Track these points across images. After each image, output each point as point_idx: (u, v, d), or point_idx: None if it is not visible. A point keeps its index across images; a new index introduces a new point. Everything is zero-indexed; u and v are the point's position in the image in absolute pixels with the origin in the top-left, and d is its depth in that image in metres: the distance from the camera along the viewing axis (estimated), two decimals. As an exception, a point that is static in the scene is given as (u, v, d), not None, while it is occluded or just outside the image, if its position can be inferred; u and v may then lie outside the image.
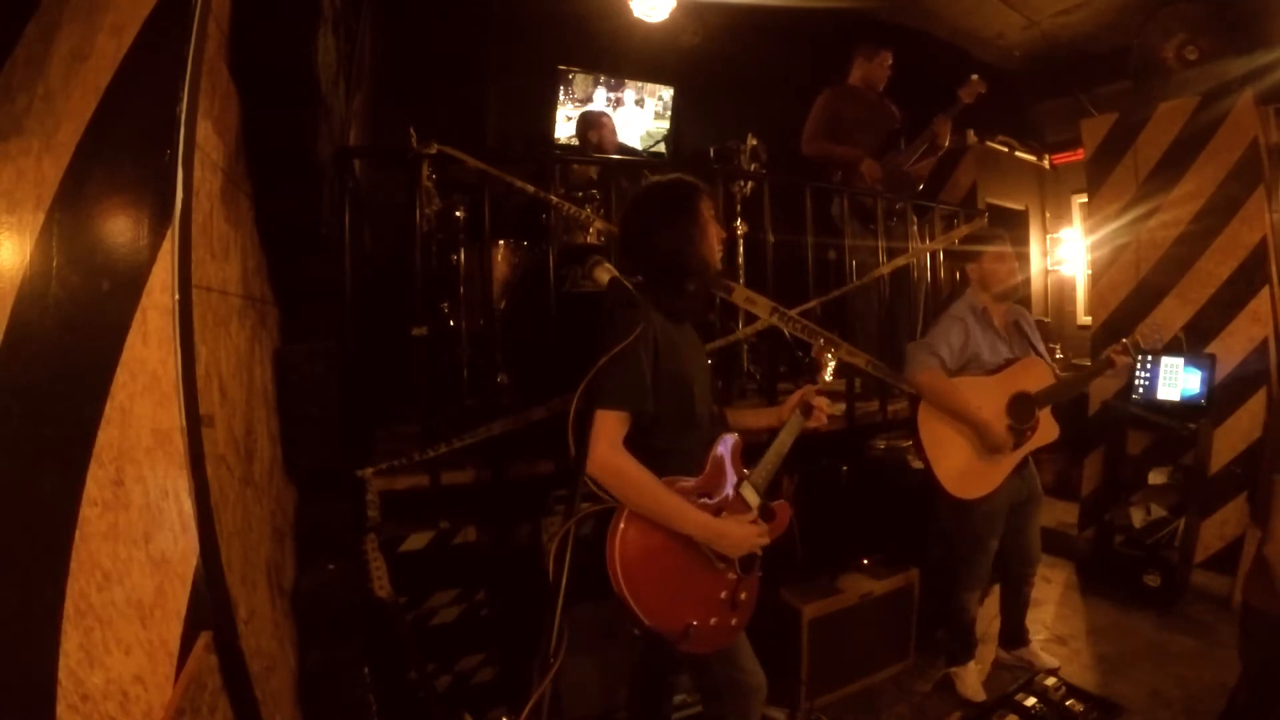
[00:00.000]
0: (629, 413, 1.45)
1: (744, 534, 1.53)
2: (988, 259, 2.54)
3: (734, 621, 1.60)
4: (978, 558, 2.54)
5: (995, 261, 2.53)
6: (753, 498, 1.63)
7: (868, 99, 3.62)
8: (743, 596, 1.61)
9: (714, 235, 1.66)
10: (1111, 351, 2.45)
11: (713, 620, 1.54)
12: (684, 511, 1.46)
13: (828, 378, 1.82)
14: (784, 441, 1.72)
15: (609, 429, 1.41)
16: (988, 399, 2.40)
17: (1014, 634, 2.80)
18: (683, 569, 1.49)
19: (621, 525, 1.42)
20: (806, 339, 2.70)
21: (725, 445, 1.63)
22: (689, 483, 1.54)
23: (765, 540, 1.60)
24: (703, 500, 1.54)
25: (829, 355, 1.84)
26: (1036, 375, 2.47)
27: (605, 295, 1.39)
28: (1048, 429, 2.48)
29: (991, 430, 2.37)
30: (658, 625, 1.42)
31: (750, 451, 1.71)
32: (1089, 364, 2.91)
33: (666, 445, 1.55)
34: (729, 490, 1.61)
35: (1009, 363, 2.48)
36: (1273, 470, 1.79)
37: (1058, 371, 2.54)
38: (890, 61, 3.65)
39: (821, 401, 1.77)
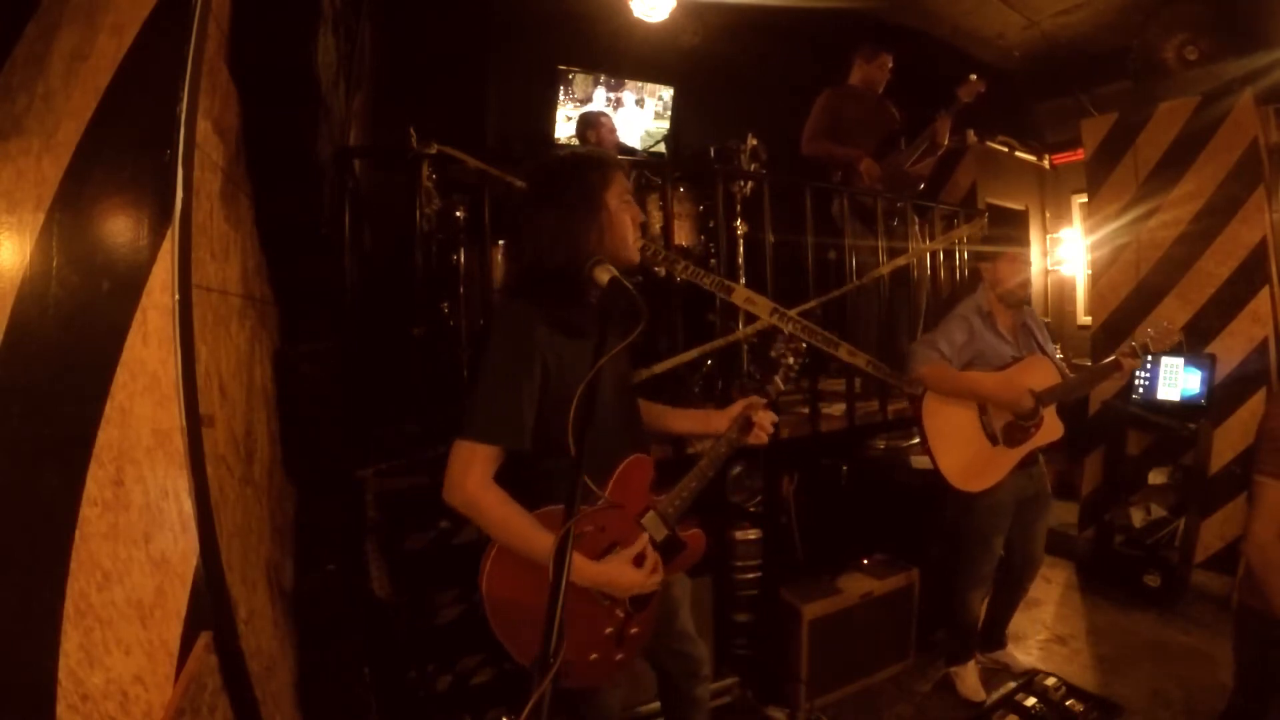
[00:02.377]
0: (495, 445, 1.30)
1: (630, 580, 1.36)
2: (1001, 259, 2.54)
3: (619, 657, 1.46)
4: (982, 554, 2.54)
5: (1008, 262, 2.53)
6: (657, 530, 1.47)
7: (868, 100, 3.62)
8: (633, 631, 1.47)
9: (626, 224, 1.41)
10: (1120, 354, 2.44)
11: (593, 656, 1.41)
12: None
13: (782, 385, 1.65)
14: (711, 464, 1.52)
15: (471, 460, 1.28)
16: None
17: (994, 636, 2.79)
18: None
19: (488, 563, 1.33)
20: (807, 339, 2.70)
21: (630, 471, 1.44)
22: (581, 513, 1.34)
23: (656, 582, 1.41)
24: (598, 531, 1.38)
25: (790, 360, 1.64)
26: (1043, 373, 2.47)
27: (604, 296, 1.31)
28: (1052, 427, 2.48)
29: (1002, 396, 2.37)
30: (522, 658, 1.36)
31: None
32: (1088, 364, 2.91)
33: (557, 469, 1.34)
34: (629, 521, 1.45)
35: (1014, 360, 2.48)
36: (1254, 470, 1.78)
37: (1065, 371, 2.54)
38: (890, 64, 3.65)
39: (765, 418, 1.56)
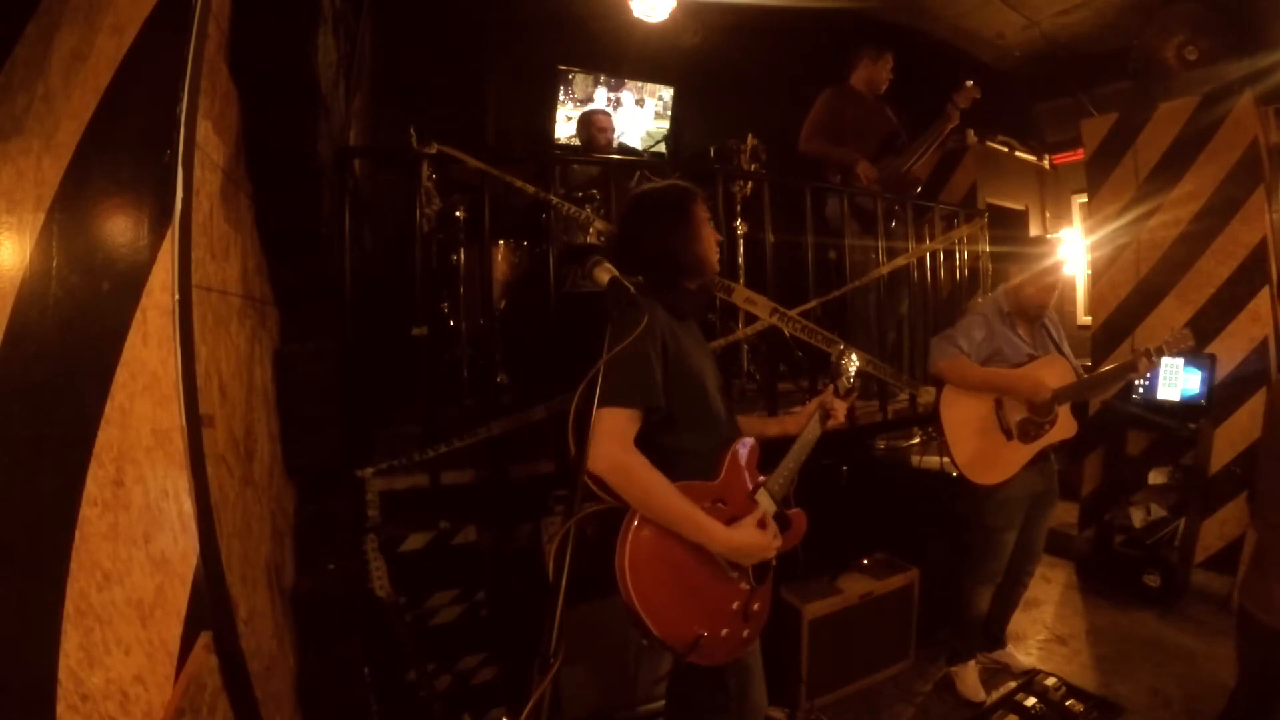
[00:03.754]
0: (639, 410, 1.39)
1: (758, 543, 1.46)
2: (1034, 278, 2.49)
3: (745, 633, 1.52)
4: (992, 549, 2.54)
5: (1037, 290, 2.49)
6: (769, 505, 1.58)
7: (867, 102, 3.63)
8: (755, 607, 1.54)
9: (710, 237, 1.65)
10: (1141, 356, 2.42)
11: (724, 631, 1.47)
12: (696, 518, 1.38)
13: (848, 383, 1.80)
14: (803, 447, 1.69)
15: (618, 426, 1.35)
16: None
17: (994, 635, 2.79)
18: (695, 578, 1.42)
19: (633, 529, 1.35)
20: (807, 339, 2.71)
21: (743, 448, 1.59)
22: (704, 487, 1.48)
23: (779, 546, 1.53)
24: (717, 505, 1.48)
25: (848, 362, 1.80)
26: (1059, 372, 2.47)
27: (605, 295, 1.36)
28: (1066, 425, 2.49)
29: (1020, 385, 2.39)
30: (666, 635, 1.35)
31: (766, 454, 1.67)
32: (1087, 363, 2.91)
33: (680, 445, 1.48)
34: (745, 496, 1.56)
35: (1031, 358, 2.48)
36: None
37: (1080, 371, 2.54)
38: (891, 65, 3.66)
39: (840, 406, 1.76)
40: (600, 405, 1.33)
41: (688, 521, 1.37)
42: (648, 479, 1.35)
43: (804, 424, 1.74)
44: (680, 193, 1.66)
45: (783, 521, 1.59)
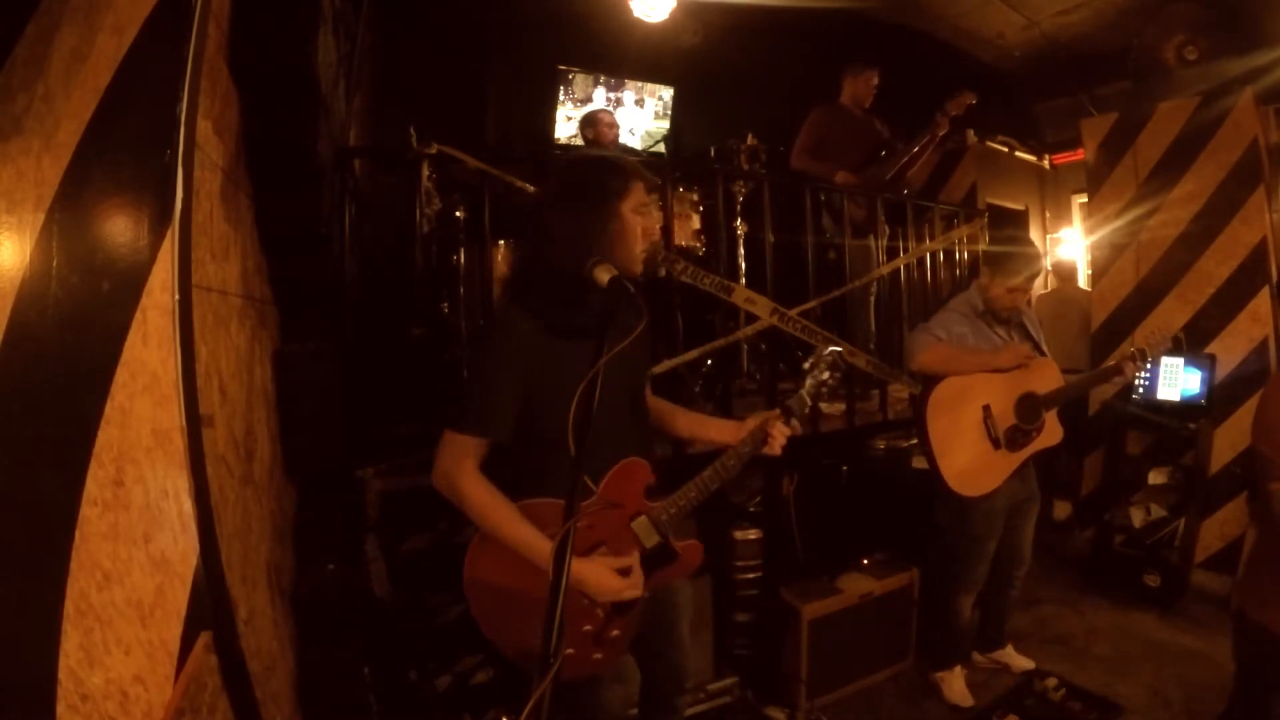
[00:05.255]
0: (480, 438, 1.35)
1: (606, 585, 1.35)
2: (1004, 283, 2.42)
3: (597, 656, 1.45)
4: (975, 559, 2.52)
5: (1006, 290, 2.42)
6: (648, 536, 1.44)
7: (854, 117, 3.70)
8: (614, 634, 1.45)
9: (635, 235, 1.39)
10: (1125, 359, 2.42)
11: (568, 651, 1.36)
12: (532, 545, 1.30)
13: (809, 400, 1.58)
14: (713, 474, 1.48)
15: (454, 449, 1.35)
16: (996, 396, 2.40)
17: (992, 635, 2.78)
18: (535, 593, 1.28)
19: (476, 539, 1.39)
20: (807, 339, 2.71)
21: (625, 472, 1.42)
22: (559, 508, 1.33)
23: (635, 593, 1.39)
24: (583, 527, 1.36)
25: (825, 375, 1.56)
26: (1046, 377, 2.46)
27: (606, 295, 1.32)
28: (1052, 431, 2.47)
29: (1007, 356, 2.35)
30: (499, 643, 1.39)
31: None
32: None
33: (544, 466, 1.39)
34: (619, 522, 1.42)
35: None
36: (1269, 479, 1.78)
37: (1064, 374, 2.53)
38: (876, 80, 3.71)
39: (780, 431, 1.50)
40: (446, 425, 1.36)
41: (523, 546, 1.31)
42: (479, 501, 1.33)
43: (724, 437, 1.56)
44: (603, 173, 1.39)
45: (663, 555, 1.45)
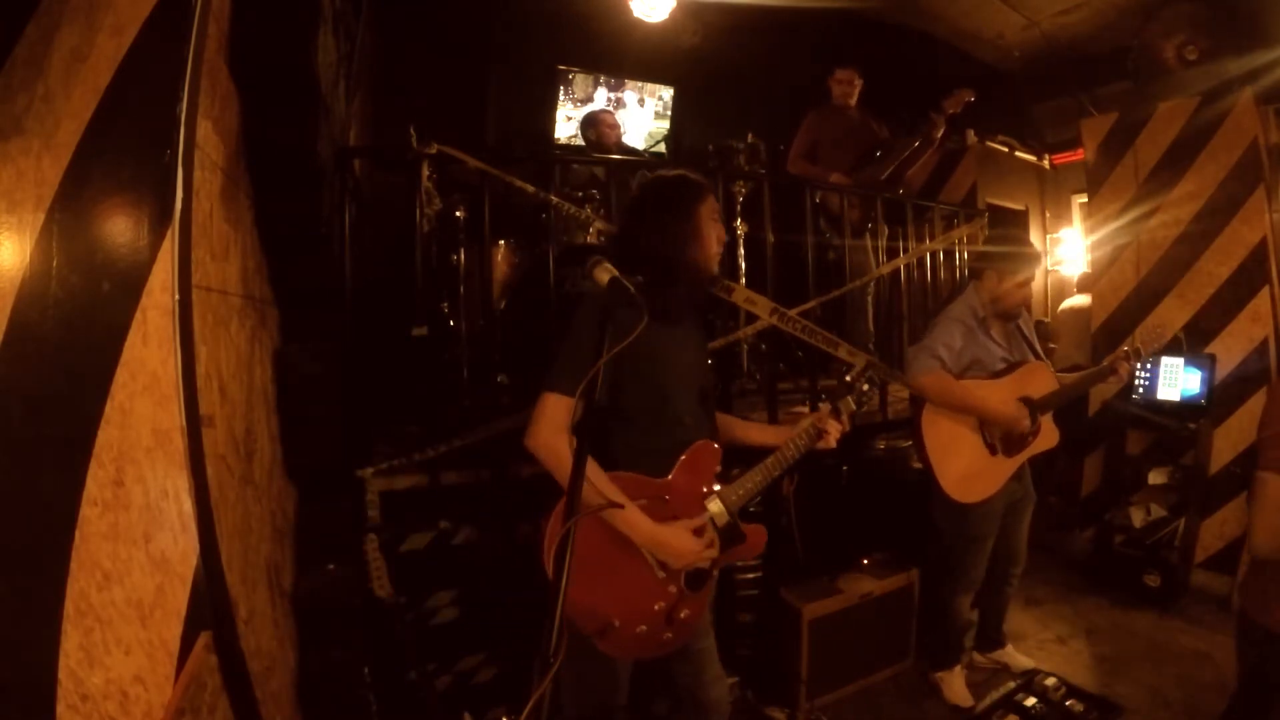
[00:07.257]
0: (568, 397, 1.42)
1: (684, 546, 1.45)
2: (1013, 280, 2.42)
3: (667, 635, 1.52)
4: (973, 559, 2.52)
5: (1014, 286, 2.42)
6: (718, 512, 1.55)
7: (848, 117, 3.72)
8: (683, 615, 1.52)
9: (711, 238, 1.60)
10: (1116, 359, 2.42)
11: (640, 628, 1.47)
12: (619, 507, 1.39)
13: (854, 405, 1.74)
14: (777, 463, 1.63)
15: (548, 409, 1.43)
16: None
17: (991, 636, 2.78)
18: (616, 566, 1.44)
19: (559, 506, 1.38)
20: (807, 339, 2.70)
21: (703, 453, 1.56)
22: (645, 481, 1.48)
23: (712, 556, 1.51)
24: (660, 502, 1.47)
25: (864, 386, 1.75)
26: (1041, 380, 2.46)
27: (606, 295, 1.36)
28: (1048, 434, 2.47)
29: (1004, 415, 2.34)
30: (573, 615, 1.39)
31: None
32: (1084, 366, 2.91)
33: (629, 441, 1.52)
34: (692, 499, 1.54)
35: (1013, 366, 2.44)
36: (1256, 467, 1.77)
37: (1059, 376, 2.53)
38: (857, 80, 3.74)
39: (834, 427, 1.66)
40: (542, 388, 1.44)
41: (603, 508, 1.39)
42: (567, 461, 1.36)
43: (788, 439, 1.67)
44: (684, 188, 1.61)
45: (733, 534, 1.56)
